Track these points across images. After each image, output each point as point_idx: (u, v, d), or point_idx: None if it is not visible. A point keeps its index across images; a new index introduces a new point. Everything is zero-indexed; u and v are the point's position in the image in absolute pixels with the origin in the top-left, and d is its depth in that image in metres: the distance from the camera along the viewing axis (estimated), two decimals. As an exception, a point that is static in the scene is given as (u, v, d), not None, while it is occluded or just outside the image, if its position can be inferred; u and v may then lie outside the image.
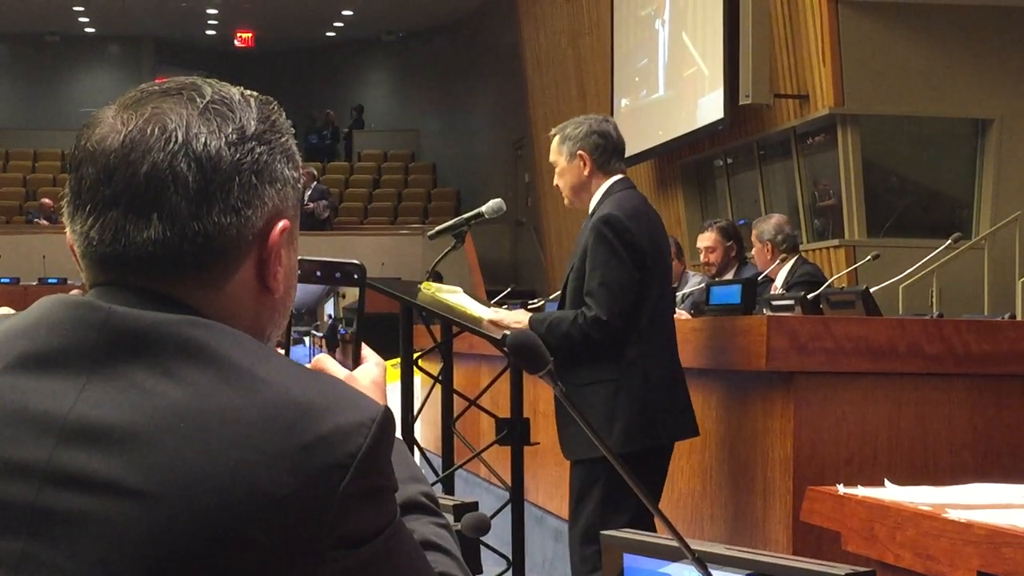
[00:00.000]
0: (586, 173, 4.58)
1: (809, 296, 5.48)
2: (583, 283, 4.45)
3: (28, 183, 24.98)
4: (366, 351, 1.58)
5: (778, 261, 6.96)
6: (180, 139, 1.32)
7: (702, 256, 7.47)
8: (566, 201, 4.70)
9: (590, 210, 4.59)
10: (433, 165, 26.42)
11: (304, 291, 1.55)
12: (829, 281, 6.75)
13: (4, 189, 24.68)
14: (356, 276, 1.58)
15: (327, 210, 21.67)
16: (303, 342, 1.59)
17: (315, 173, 22.18)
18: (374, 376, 1.54)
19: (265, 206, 1.36)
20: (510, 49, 21.20)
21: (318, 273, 1.57)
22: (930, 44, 11.37)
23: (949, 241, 6.80)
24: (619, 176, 4.62)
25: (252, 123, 1.36)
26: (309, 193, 21.10)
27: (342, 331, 1.58)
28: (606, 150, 4.60)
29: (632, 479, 1.52)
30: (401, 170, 26.38)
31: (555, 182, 4.70)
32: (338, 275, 1.58)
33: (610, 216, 4.44)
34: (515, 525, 5.04)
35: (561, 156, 4.62)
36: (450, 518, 2.09)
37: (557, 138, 4.66)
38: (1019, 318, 8.36)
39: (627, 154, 4.84)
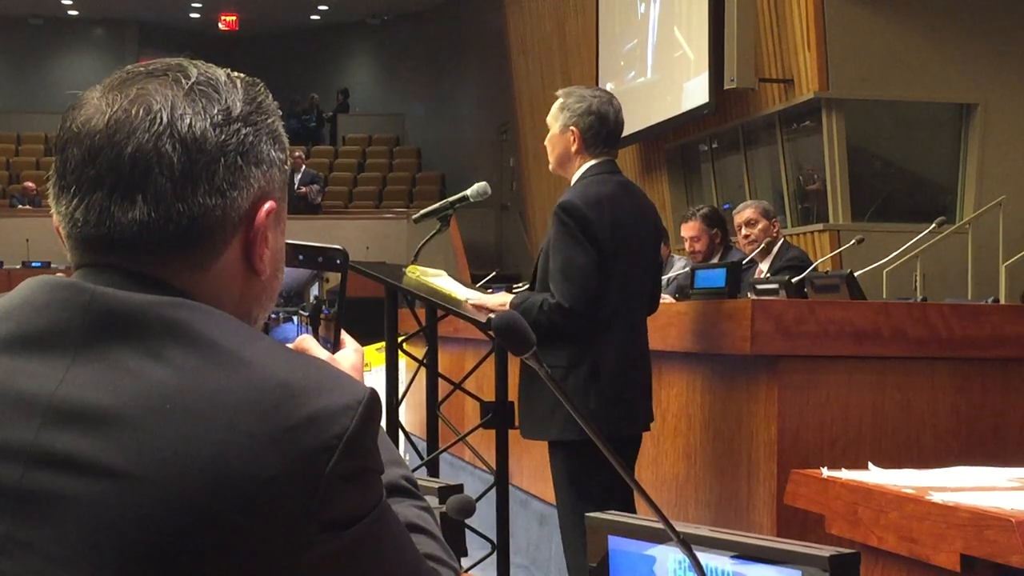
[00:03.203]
0: (573, 150, 4.54)
1: (794, 280, 5.49)
2: (546, 267, 4.44)
3: (11, 167, 24.88)
4: (344, 337, 1.59)
5: (764, 244, 6.96)
6: (165, 120, 1.31)
7: (687, 245, 7.46)
8: (550, 166, 4.67)
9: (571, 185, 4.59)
10: (418, 149, 26.38)
11: (292, 274, 1.55)
12: (814, 265, 6.76)
13: (-13, 172, 24.62)
14: (339, 262, 1.59)
15: (320, 195, 21.61)
16: (292, 320, 1.60)
17: (304, 157, 22.13)
18: (353, 361, 1.55)
19: (251, 187, 1.35)
20: (495, 33, 21.17)
21: (300, 257, 1.57)
22: (915, 29, 11.38)
23: (933, 225, 6.81)
24: (601, 159, 4.56)
25: (238, 104, 1.36)
26: (299, 177, 21.05)
27: (325, 311, 1.59)
28: (599, 134, 4.54)
29: (617, 459, 1.53)
30: (386, 154, 26.34)
31: (546, 142, 4.66)
32: (320, 260, 1.58)
33: (566, 203, 4.40)
34: (500, 508, 5.04)
35: (556, 124, 4.58)
36: (435, 500, 2.09)
37: (558, 102, 4.61)
38: (1003, 302, 8.38)
39: (612, 138, 4.80)
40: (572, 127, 4.53)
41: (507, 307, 4.45)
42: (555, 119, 4.59)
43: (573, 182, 4.55)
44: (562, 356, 4.36)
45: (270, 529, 1.22)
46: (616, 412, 4.40)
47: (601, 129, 4.54)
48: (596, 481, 4.31)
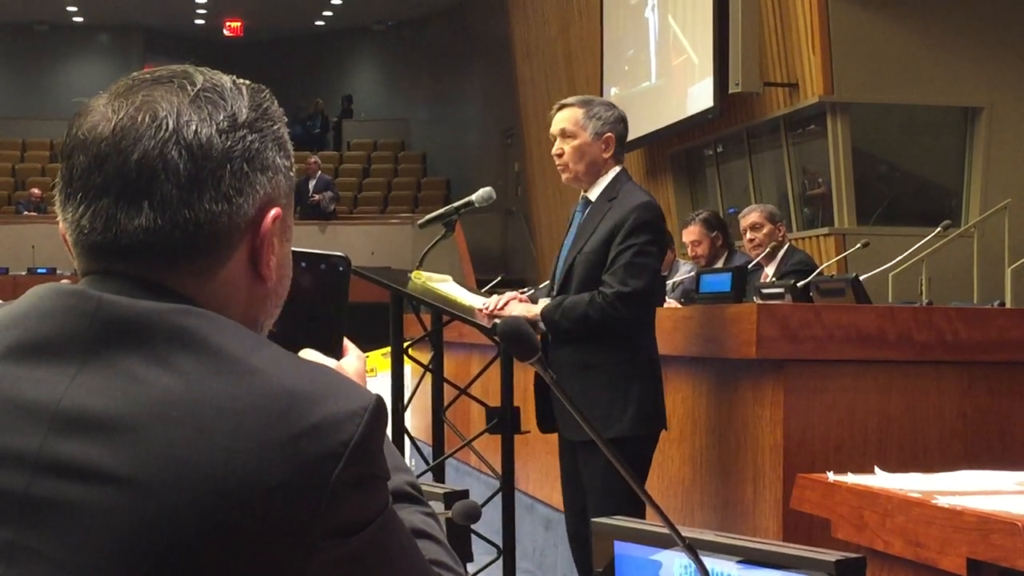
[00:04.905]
0: (606, 156, 4.60)
1: (799, 284, 5.49)
2: (596, 265, 4.44)
3: (17, 173, 24.91)
4: (347, 344, 1.59)
5: (769, 248, 6.96)
6: (171, 127, 1.32)
7: (689, 250, 7.47)
8: (567, 175, 4.62)
9: (593, 193, 4.58)
10: (423, 154, 26.40)
11: None
12: (819, 269, 6.76)
13: (-7, 179, 24.64)
14: (341, 268, 1.58)
15: (333, 202, 21.58)
16: None
17: (319, 163, 22.08)
18: (356, 368, 1.54)
19: (257, 194, 1.35)
20: (500, 38, 21.18)
21: (303, 264, 1.57)
22: (920, 32, 11.38)
23: (938, 229, 6.81)
24: (622, 166, 4.68)
25: (243, 111, 1.36)
26: (314, 183, 21.03)
27: None
28: (624, 140, 4.70)
29: (623, 465, 1.53)
30: (391, 159, 26.36)
31: (558, 151, 4.61)
32: (323, 267, 1.58)
33: (650, 203, 4.53)
34: (505, 514, 5.04)
35: (585, 132, 4.58)
36: (440, 506, 2.09)
37: (580, 111, 4.61)
38: (1008, 306, 8.38)
39: (616, 142, 4.85)
40: (609, 133, 4.60)
41: (521, 314, 4.43)
42: (582, 128, 4.59)
43: (604, 187, 4.56)
44: (627, 348, 4.44)
45: (276, 536, 1.22)
46: (663, 405, 4.55)
47: (625, 135, 4.71)
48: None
